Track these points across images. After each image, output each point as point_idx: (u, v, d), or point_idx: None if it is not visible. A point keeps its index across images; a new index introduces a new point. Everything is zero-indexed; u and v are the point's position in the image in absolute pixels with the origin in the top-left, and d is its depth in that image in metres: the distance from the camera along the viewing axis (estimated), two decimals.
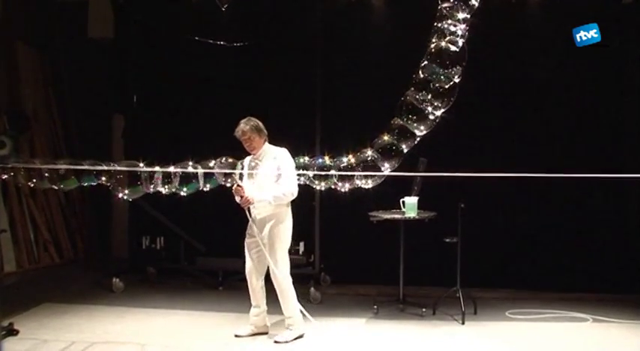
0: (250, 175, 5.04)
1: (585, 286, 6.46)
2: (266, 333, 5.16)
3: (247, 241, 5.06)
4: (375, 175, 5.47)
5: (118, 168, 5.44)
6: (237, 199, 4.89)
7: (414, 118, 5.43)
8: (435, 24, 5.47)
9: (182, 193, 5.60)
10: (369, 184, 5.55)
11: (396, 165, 5.53)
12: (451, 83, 5.38)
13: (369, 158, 5.47)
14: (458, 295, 5.63)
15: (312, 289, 6.26)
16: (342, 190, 5.60)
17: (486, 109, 6.66)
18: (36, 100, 8.17)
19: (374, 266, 6.77)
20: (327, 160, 5.59)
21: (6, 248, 7.19)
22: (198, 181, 5.54)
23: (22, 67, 7.99)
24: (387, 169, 5.49)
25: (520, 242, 6.67)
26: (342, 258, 6.88)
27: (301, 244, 6.66)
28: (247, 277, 5.08)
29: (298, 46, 6.77)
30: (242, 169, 5.21)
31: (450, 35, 5.39)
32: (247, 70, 6.93)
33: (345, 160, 5.55)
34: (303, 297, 6.15)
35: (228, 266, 6.57)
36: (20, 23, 8.03)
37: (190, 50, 6.89)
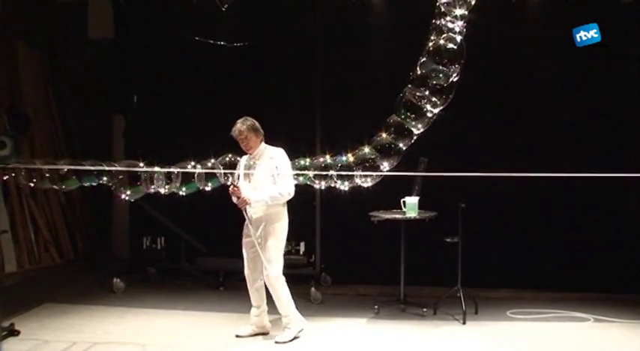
0: (247, 175, 5.05)
1: (586, 285, 6.46)
2: (267, 333, 5.16)
3: (244, 241, 5.06)
4: (376, 175, 5.47)
5: (118, 168, 5.44)
6: (234, 199, 4.90)
7: (412, 115, 5.43)
8: (433, 21, 5.48)
9: (181, 193, 5.60)
10: (368, 183, 5.54)
11: (394, 163, 5.52)
12: (449, 80, 5.38)
13: (368, 156, 5.46)
14: (459, 295, 5.63)
15: (313, 289, 6.26)
16: (342, 188, 5.59)
17: (486, 109, 6.66)
18: (36, 101, 8.17)
19: (375, 266, 6.78)
20: (328, 158, 5.59)
21: (7, 248, 7.19)
22: (197, 181, 5.53)
23: (22, 67, 7.99)
24: (385, 167, 5.48)
25: (521, 242, 6.66)
26: (342, 258, 6.88)
27: (302, 244, 6.67)
28: (246, 278, 5.09)
29: (298, 46, 6.77)
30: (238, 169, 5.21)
31: (447, 32, 5.40)
32: (247, 70, 6.93)
33: (344, 158, 5.55)
34: (303, 297, 6.18)
35: (228, 266, 6.56)
36: (20, 23, 8.03)
37: (190, 50, 6.90)
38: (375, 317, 5.74)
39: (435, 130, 5.70)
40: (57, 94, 8.49)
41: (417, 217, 5.70)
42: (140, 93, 7.21)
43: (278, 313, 5.08)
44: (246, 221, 4.97)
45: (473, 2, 5.38)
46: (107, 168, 5.41)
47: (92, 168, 5.40)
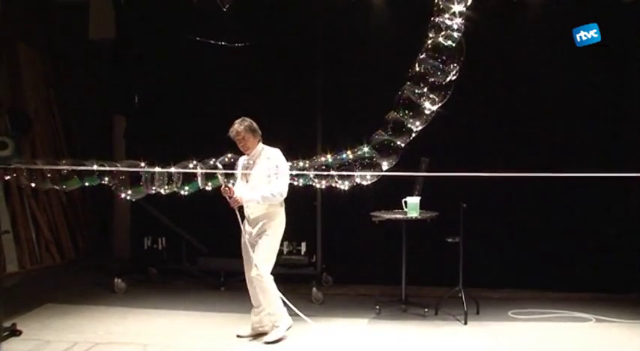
0: (244, 175, 5.05)
1: (588, 285, 6.46)
2: (268, 333, 5.16)
3: (242, 241, 5.07)
4: (378, 175, 5.48)
5: (118, 168, 5.45)
6: (227, 199, 4.90)
7: (410, 113, 5.43)
8: (432, 18, 5.48)
9: (183, 193, 5.61)
10: (367, 181, 5.55)
11: (394, 161, 5.52)
12: (447, 77, 5.39)
13: (367, 154, 5.47)
14: (460, 295, 5.63)
15: (314, 289, 6.26)
16: (342, 186, 5.59)
17: (487, 110, 6.67)
18: (38, 101, 8.19)
19: (376, 266, 6.78)
20: (329, 158, 5.59)
21: (8, 248, 7.19)
22: (198, 181, 5.55)
23: (23, 68, 8.01)
24: (384, 165, 5.49)
25: (522, 242, 6.66)
26: (344, 258, 6.88)
27: (303, 244, 6.67)
28: (247, 278, 5.09)
29: (299, 47, 6.78)
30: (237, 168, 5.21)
31: (446, 29, 5.40)
32: (248, 71, 6.94)
33: (344, 155, 5.56)
34: (305, 297, 6.19)
35: (229, 267, 6.55)
36: (22, 25, 8.04)
37: (191, 51, 6.90)
38: (377, 317, 5.74)
39: (437, 130, 5.71)
40: (58, 94, 8.51)
41: (419, 217, 5.70)
42: (141, 93, 7.22)
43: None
44: (239, 221, 4.97)
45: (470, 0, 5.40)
46: (108, 168, 5.42)
47: (92, 168, 5.41)
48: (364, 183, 5.58)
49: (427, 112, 5.46)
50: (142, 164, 5.50)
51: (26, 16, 8.13)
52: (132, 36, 7.23)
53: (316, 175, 5.53)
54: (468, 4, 5.43)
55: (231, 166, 5.35)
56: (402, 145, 5.53)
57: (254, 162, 5.01)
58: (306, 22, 6.76)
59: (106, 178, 5.49)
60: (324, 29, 6.71)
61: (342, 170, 5.49)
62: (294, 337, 5.10)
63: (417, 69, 5.47)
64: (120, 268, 7.07)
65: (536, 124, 6.69)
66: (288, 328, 5.04)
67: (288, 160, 5.21)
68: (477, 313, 5.78)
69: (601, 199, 6.51)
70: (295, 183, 5.54)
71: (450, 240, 5.66)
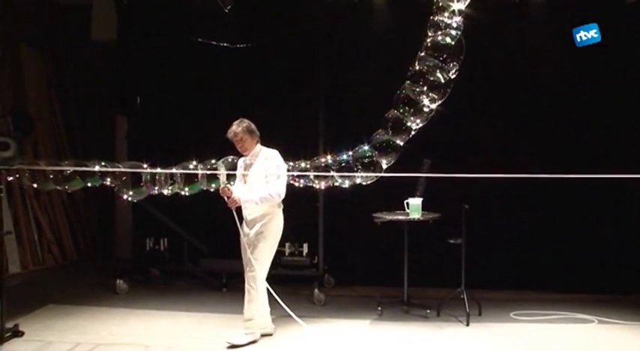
0: (243, 176, 5.05)
1: (590, 287, 6.45)
2: (270, 334, 5.17)
3: (241, 242, 5.07)
4: (379, 176, 5.48)
5: (119, 169, 5.45)
6: (225, 199, 4.90)
7: (410, 110, 5.43)
8: (432, 17, 5.48)
9: (184, 194, 5.61)
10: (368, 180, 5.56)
11: (393, 160, 5.52)
12: (446, 75, 5.38)
13: (367, 153, 5.47)
14: (462, 296, 5.62)
15: (316, 290, 6.25)
16: (343, 186, 5.59)
17: (487, 110, 6.66)
18: (40, 102, 8.20)
19: (378, 268, 6.77)
20: (329, 158, 5.59)
21: (10, 249, 7.21)
22: (199, 182, 5.55)
23: (26, 69, 8.02)
24: (384, 164, 5.49)
25: (524, 243, 6.65)
26: (346, 259, 6.88)
27: (305, 245, 6.67)
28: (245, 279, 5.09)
29: (301, 48, 6.78)
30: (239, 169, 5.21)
31: (445, 28, 5.40)
32: (250, 72, 6.94)
33: (345, 156, 5.55)
34: (307, 298, 6.19)
35: (231, 268, 6.52)
36: (24, 25, 8.05)
37: (193, 52, 6.90)
38: (379, 319, 5.74)
39: (439, 131, 5.71)
40: (60, 95, 8.52)
41: (421, 218, 5.70)
42: (143, 94, 7.22)
43: (280, 313, 5.08)
44: (237, 222, 4.97)
45: None
46: (110, 169, 5.42)
47: (94, 169, 5.42)
48: (364, 183, 5.57)
49: (426, 109, 5.45)
50: (144, 165, 5.50)
51: (28, 16, 8.14)
52: (134, 37, 7.23)
53: (316, 176, 5.52)
54: (467, 3, 5.42)
55: (233, 167, 5.35)
56: (402, 143, 5.52)
57: (252, 163, 5.02)
58: (307, 23, 6.76)
59: (108, 179, 5.50)
60: (326, 30, 6.71)
61: (343, 170, 5.48)
62: (295, 338, 5.11)
63: (417, 67, 5.46)
64: (122, 269, 7.08)
65: (536, 125, 6.68)
66: (251, 342, 4.97)
67: (289, 160, 5.21)
68: (479, 314, 5.77)
69: (603, 200, 6.50)
70: (297, 184, 5.54)
71: (452, 241, 5.66)
